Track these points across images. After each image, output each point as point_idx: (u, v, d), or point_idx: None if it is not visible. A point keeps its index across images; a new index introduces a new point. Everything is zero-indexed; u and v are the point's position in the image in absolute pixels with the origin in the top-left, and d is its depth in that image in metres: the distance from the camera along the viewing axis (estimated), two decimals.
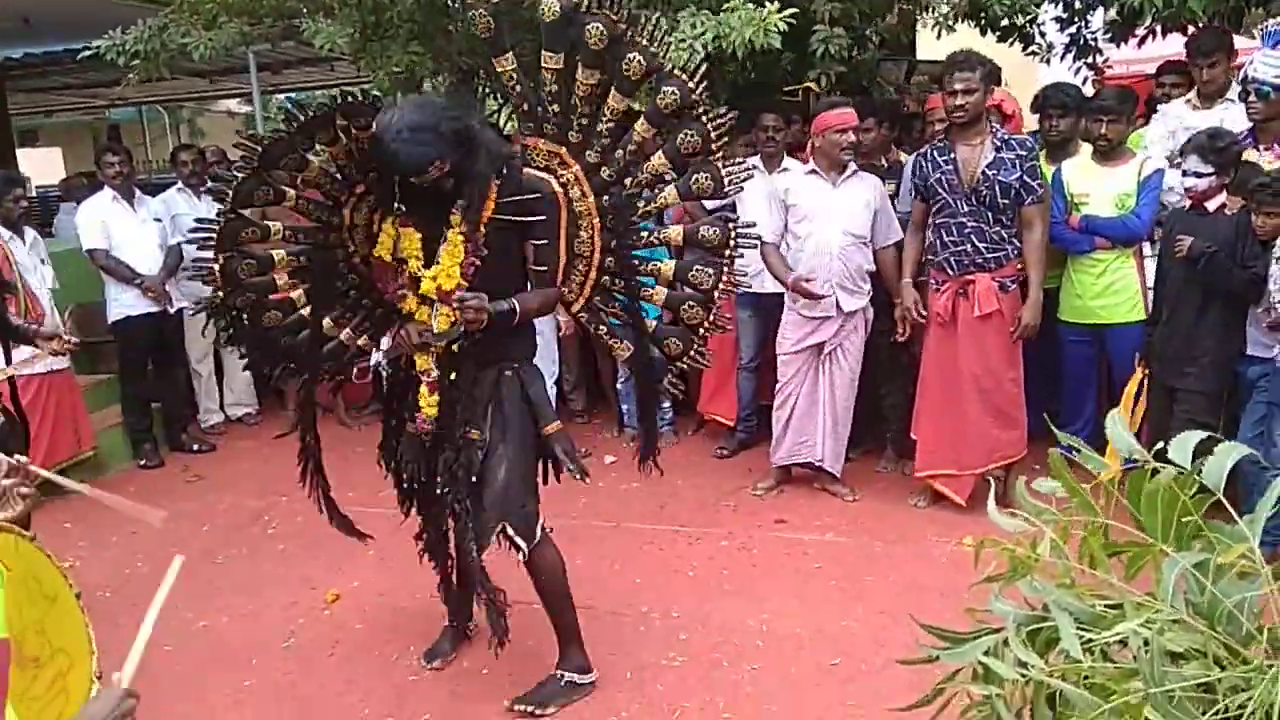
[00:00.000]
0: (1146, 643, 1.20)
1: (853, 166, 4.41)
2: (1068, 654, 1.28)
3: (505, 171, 2.86)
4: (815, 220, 4.39)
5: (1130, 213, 4.33)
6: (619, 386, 5.67)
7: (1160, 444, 1.33)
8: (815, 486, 4.73)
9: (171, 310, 5.73)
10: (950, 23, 5.09)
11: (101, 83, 8.93)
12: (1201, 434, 1.30)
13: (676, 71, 2.95)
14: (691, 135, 2.96)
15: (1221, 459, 1.22)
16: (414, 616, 3.72)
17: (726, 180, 3.02)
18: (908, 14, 6.13)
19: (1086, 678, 1.28)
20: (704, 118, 2.95)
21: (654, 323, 3.26)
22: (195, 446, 5.95)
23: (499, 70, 3.05)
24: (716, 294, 3.13)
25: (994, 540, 1.43)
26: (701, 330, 3.18)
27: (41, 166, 14.72)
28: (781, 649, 3.38)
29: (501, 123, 7.97)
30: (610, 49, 2.90)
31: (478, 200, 2.81)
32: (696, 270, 3.13)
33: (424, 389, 3.00)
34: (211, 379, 6.31)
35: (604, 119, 3.00)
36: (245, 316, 3.11)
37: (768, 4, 4.12)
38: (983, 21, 5.39)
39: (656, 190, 3.09)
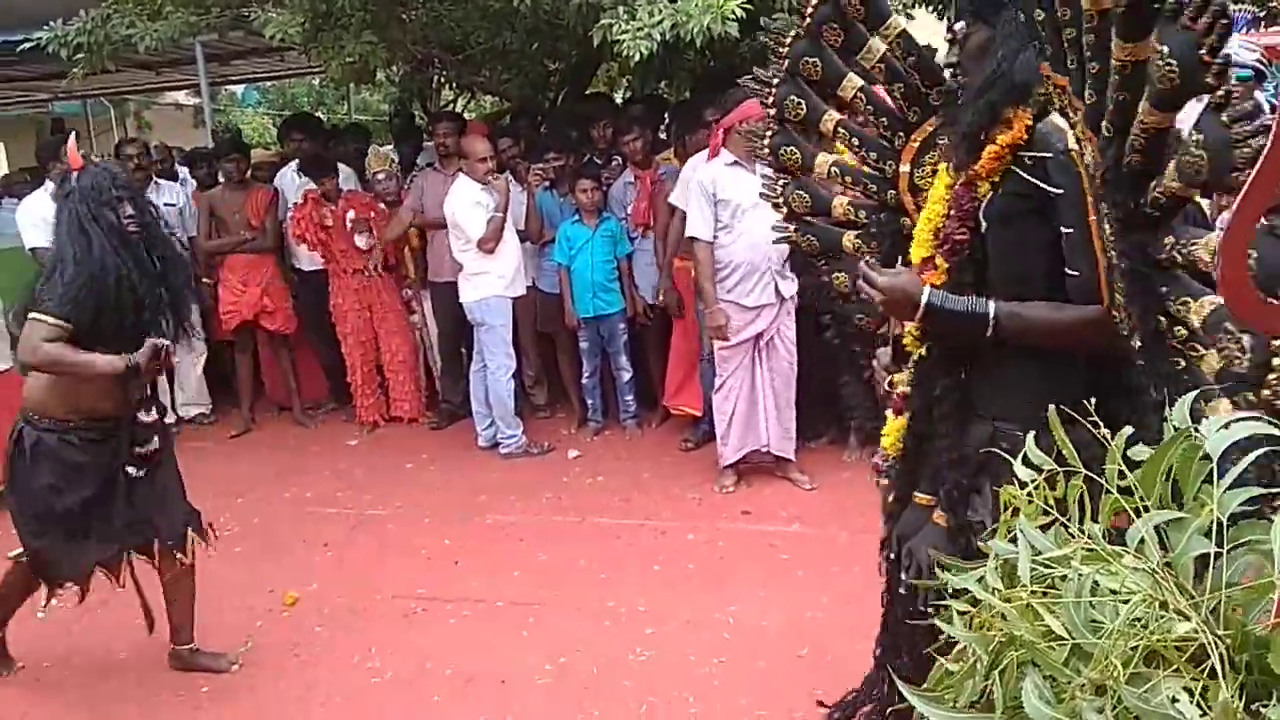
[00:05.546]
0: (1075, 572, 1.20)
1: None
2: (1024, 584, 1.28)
3: (1031, 98, 1.81)
4: (747, 211, 4.35)
5: None
6: (584, 382, 5.61)
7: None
8: (777, 475, 4.72)
9: None
10: (909, 9, 5.10)
11: (44, 75, 8.68)
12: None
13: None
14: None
15: (1226, 430, 1.27)
16: (373, 618, 3.65)
17: None
18: None
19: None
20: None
21: None
22: None
23: None
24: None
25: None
26: None
27: None
28: (749, 641, 3.35)
29: (459, 109, 7.93)
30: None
31: (975, 123, 1.82)
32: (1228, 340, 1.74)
33: (889, 412, 2.15)
34: (162, 378, 6.14)
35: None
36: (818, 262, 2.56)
37: None
38: (940, 6, 5.41)
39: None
